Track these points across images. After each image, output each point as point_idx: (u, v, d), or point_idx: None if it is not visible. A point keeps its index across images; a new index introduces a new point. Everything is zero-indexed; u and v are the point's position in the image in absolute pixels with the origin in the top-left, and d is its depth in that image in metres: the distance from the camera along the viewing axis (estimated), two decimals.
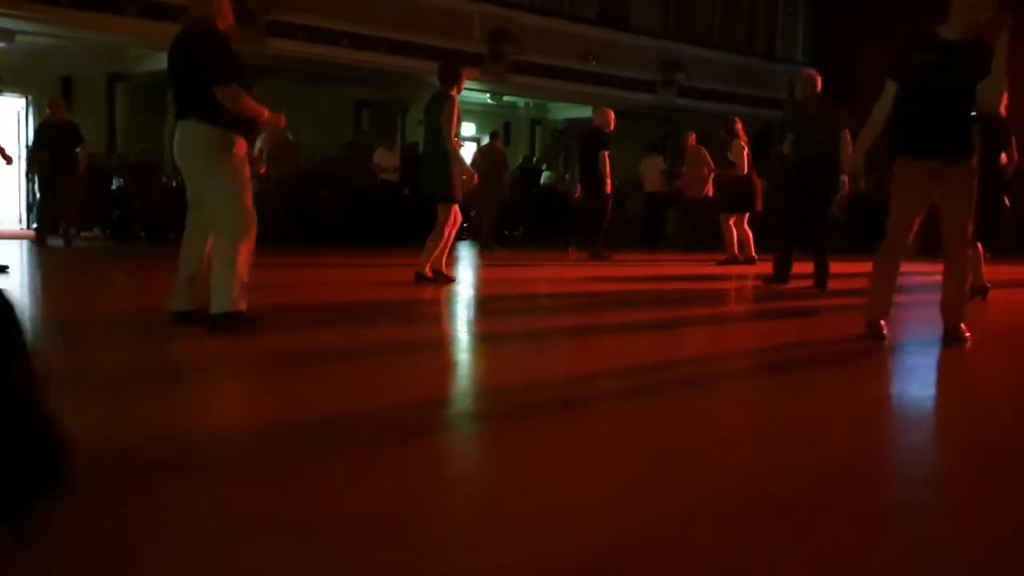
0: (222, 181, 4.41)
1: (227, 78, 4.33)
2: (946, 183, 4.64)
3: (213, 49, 4.39)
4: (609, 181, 10.61)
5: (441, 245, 7.10)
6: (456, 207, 7.12)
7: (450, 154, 6.94)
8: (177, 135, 4.52)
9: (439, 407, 3.20)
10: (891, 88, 4.74)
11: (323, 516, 2.01)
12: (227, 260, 4.39)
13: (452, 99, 6.96)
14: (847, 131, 7.37)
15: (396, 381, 3.63)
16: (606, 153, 10.56)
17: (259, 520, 2.00)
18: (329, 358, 4.08)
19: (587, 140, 10.97)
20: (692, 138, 12.87)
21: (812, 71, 8.00)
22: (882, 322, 4.87)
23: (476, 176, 7.52)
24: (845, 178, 7.41)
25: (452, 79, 7.06)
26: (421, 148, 7.18)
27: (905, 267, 4.94)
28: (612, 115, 10.86)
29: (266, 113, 4.53)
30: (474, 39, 14.65)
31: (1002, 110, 6.86)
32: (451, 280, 7.30)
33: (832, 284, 7.33)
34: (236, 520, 1.99)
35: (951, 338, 4.76)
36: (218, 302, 4.40)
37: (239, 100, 4.36)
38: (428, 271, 7.13)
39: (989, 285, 7.17)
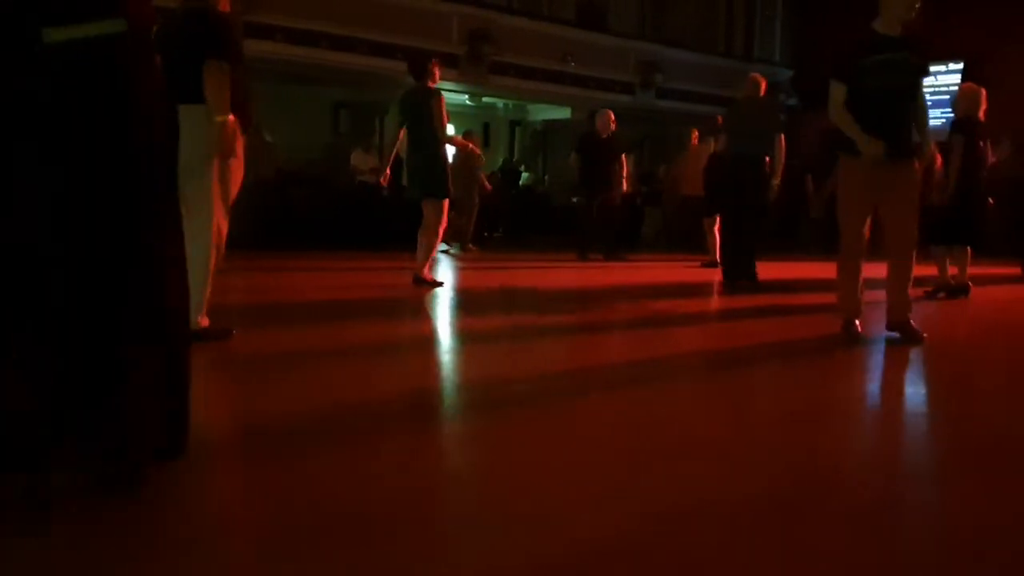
0: (205, 170, 4.12)
1: (223, 56, 4.08)
2: (892, 182, 4.67)
3: (216, 25, 4.14)
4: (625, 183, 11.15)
5: (426, 244, 7.00)
6: (447, 203, 7.04)
7: (442, 148, 6.85)
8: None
9: (418, 408, 3.19)
10: (840, 91, 4.73)
11: (304, 516, 2.00)
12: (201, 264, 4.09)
13: (438, 93, 6.86)
14: (782, 135, 7.39)
15: (377, 382, 3.61)
16: (624, 157, 11.03)
17: (243, 518, 1.99)
18: (309, 360, 4.06)
19: (599, 145, 11.06)
20: (695, 135, 12.85)
21: (757, 74, 8.04)
22: (856, 321, 4.91)
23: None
24: (776, 181, 7.44)
25: (423, 71, 6.95)
26: (405, 147, 7.02)
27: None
28: (611, 115, 11.13)
29: (230, 117, 4.14)
30: (452, 40, 14.64)
31: (980, 115, 6.96)
32: (423, 282, 7.12)
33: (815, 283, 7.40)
34: (215, 520, 1.98)
35: (908, 338, 4.77)
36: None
37: (220, 83, 4.07)
38: (427, 272, 7.08)
39: (971, 283, 7.24)
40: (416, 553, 1.84)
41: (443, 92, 7.15)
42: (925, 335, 4.80)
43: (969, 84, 7.27)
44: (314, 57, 13.23)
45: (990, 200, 7.39)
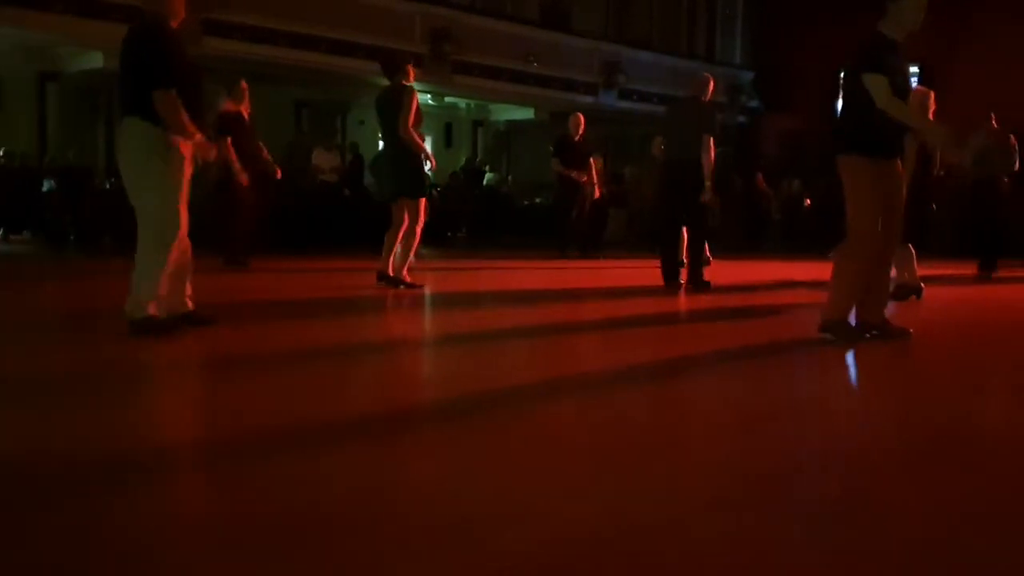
0: (154, 182, 4.31)
1: (166, 82, 4.25)
2: (894, 183, 4.77)
3: (159, 48, 4.29)
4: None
5: (405, 245, 6.96)
6: (425, 201, 7.00)
7: (415, 146, 6.73)
8: (117, 132, 4.45)
9: (386, 411, 3.16)
10: (884, 83, 4.55)
11: (258, 519, 1.97)
12: (149, 264, 4.32)
13: (411, 90, 6.77)
14: (710, 137, 7.27)
15: (346, 385, 3.59)
16: (592, 159, 11.29)
17: (199, 524, 1.96)
18: (277, 365, 4.01)
19: (572, 147, 11.30)
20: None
21: (707, 75, 7.91)
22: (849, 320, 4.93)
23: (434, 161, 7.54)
24: (707, 183, 7.36)
25: (396, 69, 6.84)
26: (380, 147, 7.05)
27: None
28: (581, 119, 11.39)
29: (197, 135, 4.40)
30: (415, 39, 14.58)
31: (930, 117, 7.05)
32: (401, 284, 7.03)
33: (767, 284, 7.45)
34: (171, 526, 1.94)
35: (897, 334, 4.88)
36: (137, 307, 4.33)
37: (172, 109, 4.26)
38: (406, 274, 7.02)
39: (923, 284, 7.33)
40: (379, 554, 1.83)
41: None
42: (911, 330, 4.89)
43: (919, 88, 7.36)
44: (275, 56, 13.12)
45: (932, 205, 7.51)
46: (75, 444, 2.63)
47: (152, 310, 4.35)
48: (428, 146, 7.32)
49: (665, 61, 18.82)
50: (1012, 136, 9.22)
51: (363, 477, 2.40)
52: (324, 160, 13.29)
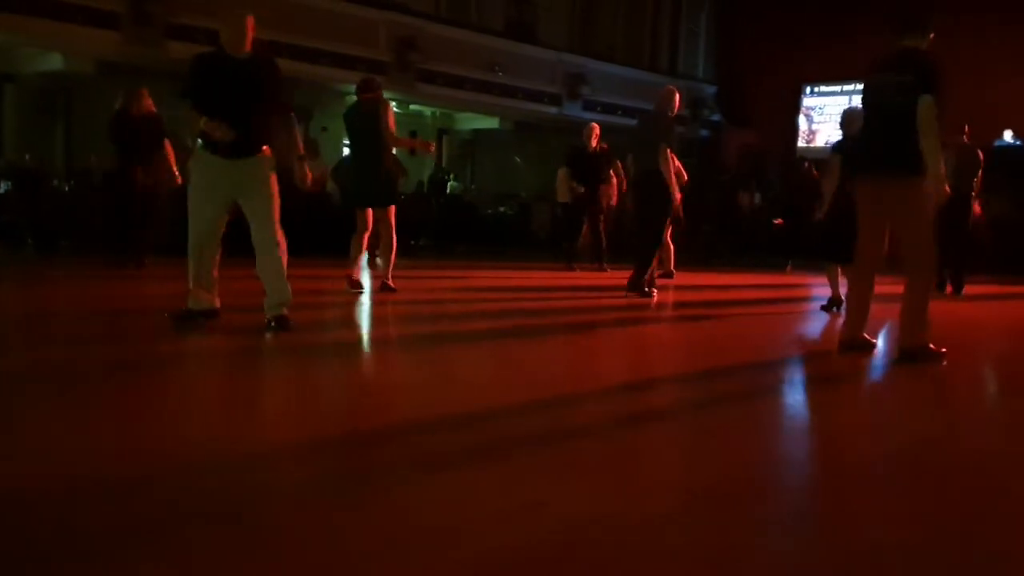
0: None
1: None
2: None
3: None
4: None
5: (387, 251, 7.22)
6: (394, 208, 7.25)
7: (389, 157, 7.15)
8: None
9: (342, 420, 3.17)
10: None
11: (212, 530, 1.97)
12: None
13: (387, 103, 7.13)
14: (666, 147, 7.38)
15: (302, 396, 3.58)
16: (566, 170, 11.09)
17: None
18: (239, 370, 3.99)
19: (588, 158, 11.14)
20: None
21: (672, 87, 8.03)
22: (865, 336, 4.98)
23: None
24: (673, 192, 7.47)
25: (375, 87, 7.19)
26: (354, 157, 7.39)
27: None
28: (596, 129, 11.14)
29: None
30: (380, 47, 14.56)
31: None
32: (361, 288, 7.22)
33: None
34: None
35: (920, 356, 4.68)
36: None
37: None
38: (390, 280, 7.26)
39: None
40: (326, 567, 1.83)
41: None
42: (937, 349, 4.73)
43: (856, 107, 7.45)
44: None
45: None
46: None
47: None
48: (394, 151, 7.56)
49: (629, 74, 18.96)
50: (979, 152, 9.24)
51: (310, 487, 2.40)
52: (310, 169, 13.03)
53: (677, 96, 7.83)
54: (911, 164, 4.56)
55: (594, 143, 10.97)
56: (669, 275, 9.95)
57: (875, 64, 4.81)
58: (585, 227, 11.23)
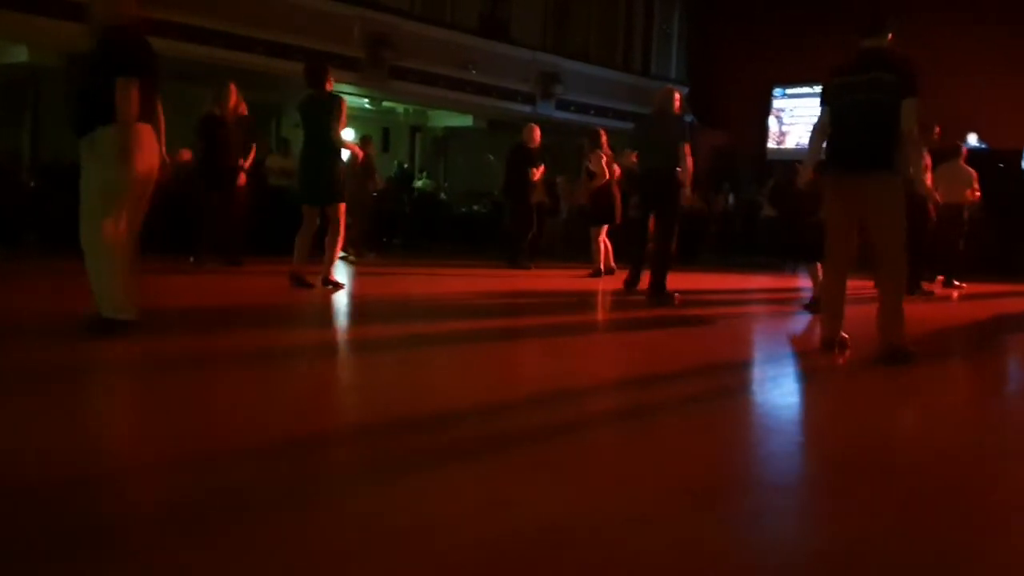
0: None
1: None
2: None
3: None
4: (533, 193, 11.04)
5: (332, 246, 7.19)
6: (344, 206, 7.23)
7: (338, 154, 7.10)
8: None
9: (316, 420, 3.14)
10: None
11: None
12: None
13: (341, 100, 7.04)
14: (686, 145, 7.44)
15: (270, 395, 3.54)
16: (533, 169, 10.90)
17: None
18: (192, 371, 3.95)
19: (513, 156, 11.16)
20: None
21: (671, 86, 8.15)
22: (844, 335, 4.97)
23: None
24: (687, 190, 7.54)
25: (323, 78, 7.08)
26: (304, 152, 7.20)
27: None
28: (537, 131, 11.11)
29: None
30: (353, 43, 14.49)
31: None
32: (309, 286, 7.16)
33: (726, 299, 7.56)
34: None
35: (898, 356, 4.65)
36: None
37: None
38: (332, 275, 7.26)
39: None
40: (289, 568, 1.82)
41: (343, 96, 7.30)
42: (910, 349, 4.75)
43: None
44: (210, 56, 12.88)
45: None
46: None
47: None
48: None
49: (603, 73, 19.02)
50: (928, 154, 9.36)
51: (265, 489, 2.38)
52: (275, 162, 12.86)
53: (677, 95, 7.95)
54: (889, 162, 4.61)
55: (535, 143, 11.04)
56: (598, 274, 10.01)
57: (847, 65, 4.84)
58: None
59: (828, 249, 4.95)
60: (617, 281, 7.85)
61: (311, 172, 7.11)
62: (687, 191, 7.57)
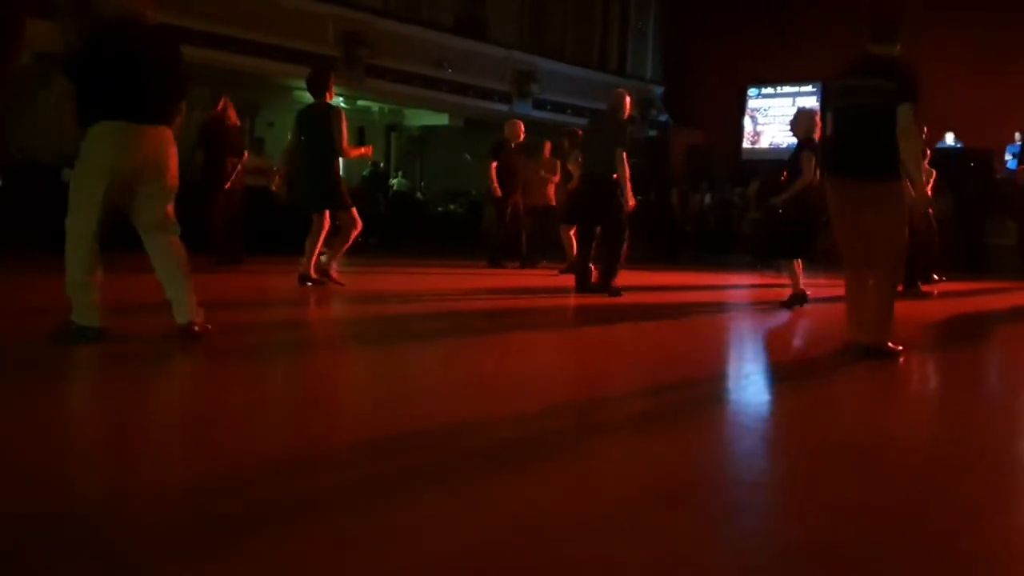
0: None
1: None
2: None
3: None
4: (497, 188, 10.96)
5: (327, 245, 7.41)
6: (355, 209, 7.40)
7: (336, 161, 7.27)
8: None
9: (298, 422, 3.11)
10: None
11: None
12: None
13: (340, 111, 7.23)
14: (622, 151, 7.45)
15: (250, 390, 3.50)
16: (493, 164, 10.90)
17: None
18: (181, 370, 3.90)
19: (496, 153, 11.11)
20: (547, 148, 12.96)
21: (622, 89, 8.13)
22: (865, 340, 4.82)
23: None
24: (628, 197, 7.53)
25: (325, 87, 7.26)
26: (302, 160, 7.38)
27: None
28: (521, 126, 11.09)
29: None
30: (327, 42, 14.41)
31: (816, 136, 7.25)
32: (340, 283, 7.42)
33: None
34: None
35: (882, 353, 4.69)
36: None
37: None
38: (327, 271, 7.42)
39: (808, 292, 7.50)
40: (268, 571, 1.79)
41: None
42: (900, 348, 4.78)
43: (806, 108, 7.56)
44: (186, 54, 12.71)
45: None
46: None
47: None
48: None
49: (579, 73, 19.03)
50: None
51: (231, 498, 2.34)
52: (250, 161, 12.65)
53: (628, 99, 7.91)
54: (891, 167, 4.64)
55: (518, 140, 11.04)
56: (571, 271, 9.98)
57: (850, 68, 4.84)
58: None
59: (840, 252, 4.95)
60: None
61: (310, 180, 7.30)
62: (630, 200, 7.56)
